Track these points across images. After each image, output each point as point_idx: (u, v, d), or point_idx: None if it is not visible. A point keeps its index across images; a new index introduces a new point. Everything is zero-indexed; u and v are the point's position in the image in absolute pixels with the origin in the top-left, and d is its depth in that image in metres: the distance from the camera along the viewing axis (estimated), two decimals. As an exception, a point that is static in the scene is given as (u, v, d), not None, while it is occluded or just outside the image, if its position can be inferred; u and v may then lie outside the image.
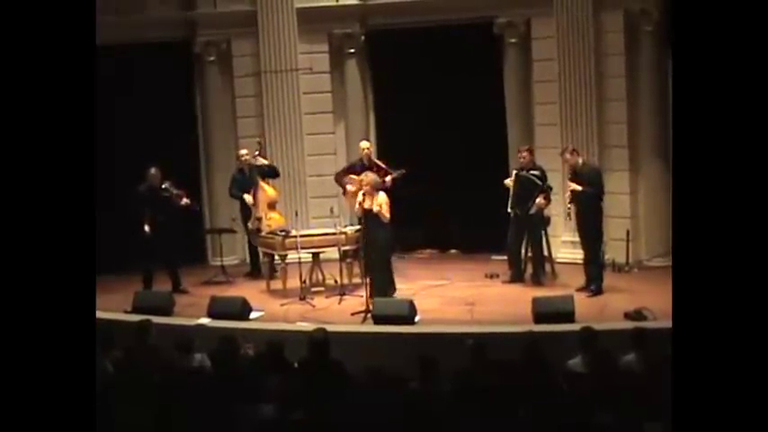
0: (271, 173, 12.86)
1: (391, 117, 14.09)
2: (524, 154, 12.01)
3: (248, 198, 12.69)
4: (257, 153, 12.76)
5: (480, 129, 13.62)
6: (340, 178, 12.76)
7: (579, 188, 11.26)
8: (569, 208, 11.52)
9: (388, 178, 12.49)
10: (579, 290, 11.30)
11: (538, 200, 11.72)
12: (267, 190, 12.57)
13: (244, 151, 12.97)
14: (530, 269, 12.15)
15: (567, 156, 11.54)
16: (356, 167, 12.62)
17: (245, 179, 12.81)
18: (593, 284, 11.36)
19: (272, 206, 12.53)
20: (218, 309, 10.80)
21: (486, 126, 13.64)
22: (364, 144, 12.94)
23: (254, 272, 13.09)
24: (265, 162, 12.86)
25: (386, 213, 11.17)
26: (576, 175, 11.41)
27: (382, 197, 11.32)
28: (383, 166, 12.71)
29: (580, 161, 11.54)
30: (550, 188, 11.85)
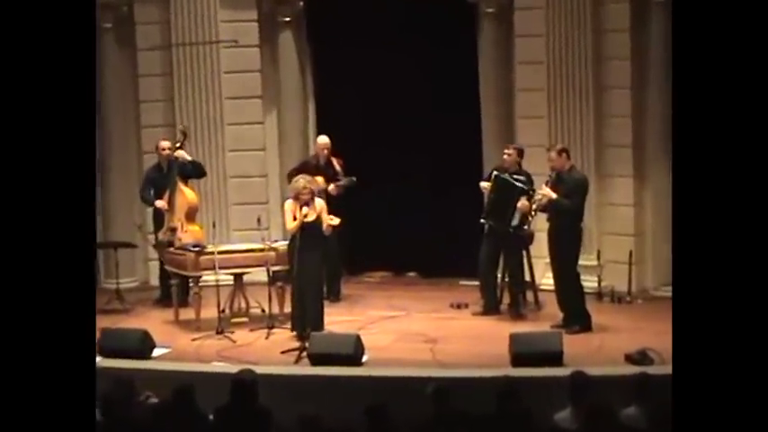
0: (194, 171, 12.79)
1: (336, 104, 14.11)
2: (510, 152, 12.09)
3: (160, 203, 12.61)
4: (179, 145, 12.66)
5: (448, 121, 13.66)
6: (291, 178, 12.63)
7: (553, 195, 11.25)
8: (533, 214, 11.56)
9: (331, 187, 12.47)
10: (555, 326, 11.26)
11: (519, 203, 11.67)
12: (187, 194, 12.50)
13: (166, 143, 12.85)
14: (507, 298, 12.20)
15: (553, 155, 11.46)
16: (310, 167, 12.63)
17: (163, 179, 12.73)
18: (577, 321, 11.27)
19: (191, 215, 12.45)
20: (110, 344, 10.75)
21: (456, 117, 13.68)
22: (323, 140, 13.01)
23: (164, 298, 12.93)
24: (188, 158, 12.75)
25: (332, 221, 11.12)
26: (557, 181, 11.37)
27: (320, 203, 11.30)
28: (338, 169, 12.73)
29: (567, 166, 11.49)
30: (533, 191, 11.79)
